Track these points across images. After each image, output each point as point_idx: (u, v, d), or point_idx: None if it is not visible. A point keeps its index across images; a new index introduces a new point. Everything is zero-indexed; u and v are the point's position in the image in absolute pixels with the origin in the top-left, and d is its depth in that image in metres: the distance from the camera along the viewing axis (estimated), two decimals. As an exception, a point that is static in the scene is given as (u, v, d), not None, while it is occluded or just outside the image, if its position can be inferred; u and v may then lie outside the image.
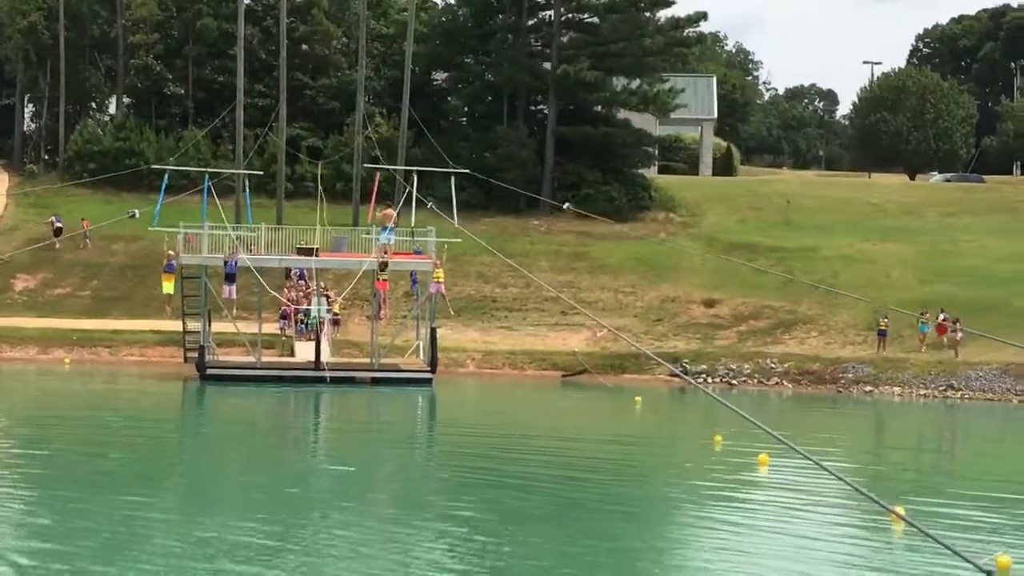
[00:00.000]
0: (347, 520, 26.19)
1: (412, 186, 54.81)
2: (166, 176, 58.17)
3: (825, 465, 15.00)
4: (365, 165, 67.62)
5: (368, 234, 54.73)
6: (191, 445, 39.23)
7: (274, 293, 55.77)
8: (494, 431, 42.45)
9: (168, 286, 54.79)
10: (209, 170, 59.19)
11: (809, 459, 14.52)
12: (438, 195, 60.18)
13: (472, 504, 28.30)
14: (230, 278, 53.68)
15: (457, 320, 62.32)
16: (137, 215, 52.39)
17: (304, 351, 55.43)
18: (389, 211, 55.35)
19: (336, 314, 59.12)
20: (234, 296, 54.00)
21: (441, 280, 54.26)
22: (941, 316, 60.38)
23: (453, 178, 57.83)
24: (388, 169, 64.31)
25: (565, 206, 55.20)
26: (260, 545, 23.43)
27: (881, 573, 23.01)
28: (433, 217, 54.13)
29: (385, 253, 53.05)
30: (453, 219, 51.72)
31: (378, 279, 55.05)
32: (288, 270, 61.11)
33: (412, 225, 55.71)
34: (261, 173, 67.99)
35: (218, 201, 54.80)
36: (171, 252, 54.28)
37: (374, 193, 58.99)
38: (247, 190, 62.18)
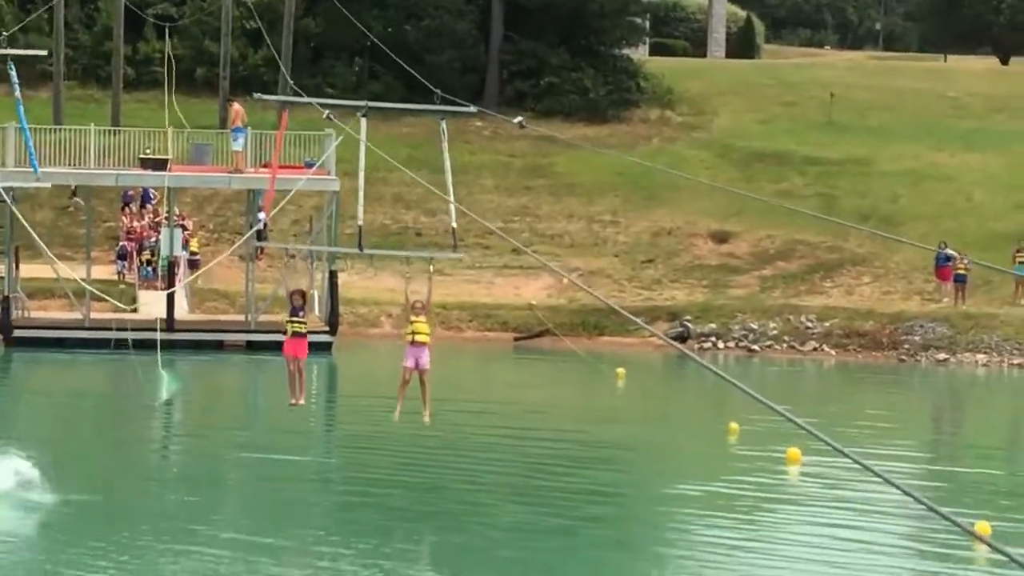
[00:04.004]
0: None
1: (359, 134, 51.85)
2: None
3: (878, 469, 14.88)
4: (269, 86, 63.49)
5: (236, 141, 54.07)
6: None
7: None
8: (421, 421, 42.09)
9: None
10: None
11: (856, 461, 14.36)
12: (340, 85, 59.65)
13: (396, 541, 28.85)
14: None
15: (367, 262, 61.94)
16: None
17: (151, 304, 54.99)
18: (236, 106, 54.16)
19: (195, 253, 58.62)
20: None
21: (425, 338, 44.06)
22: (950, 253, 57.42)
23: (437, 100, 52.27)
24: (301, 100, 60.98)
25: (516, 120, 53.49)
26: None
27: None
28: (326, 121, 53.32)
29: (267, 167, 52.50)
30: (447, 182, 47.69)
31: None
32: (126, 192, 60.45)
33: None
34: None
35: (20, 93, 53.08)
36: None
37: (281, 131, 55.96)
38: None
